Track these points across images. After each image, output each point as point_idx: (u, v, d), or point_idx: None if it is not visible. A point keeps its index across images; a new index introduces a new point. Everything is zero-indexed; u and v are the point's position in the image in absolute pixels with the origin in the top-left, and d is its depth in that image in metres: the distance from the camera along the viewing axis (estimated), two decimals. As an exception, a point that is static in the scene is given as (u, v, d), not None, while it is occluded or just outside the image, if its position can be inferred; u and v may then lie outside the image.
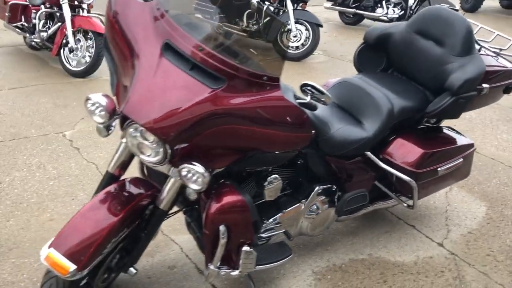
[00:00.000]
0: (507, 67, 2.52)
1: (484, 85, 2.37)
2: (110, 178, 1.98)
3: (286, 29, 5.91)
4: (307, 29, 5.98)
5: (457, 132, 2.63)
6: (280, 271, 2.38)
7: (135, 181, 1.96)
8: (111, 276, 2.07)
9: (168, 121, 1.63)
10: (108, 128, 1.90)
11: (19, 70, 5.22)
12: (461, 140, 2.55)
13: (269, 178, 2.06)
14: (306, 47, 5.99)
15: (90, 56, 5.03)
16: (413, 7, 7.47)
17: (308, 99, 1.82)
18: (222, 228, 1.84)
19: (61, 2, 5.02)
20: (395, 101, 2.33)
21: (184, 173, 1.71)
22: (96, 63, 5.00)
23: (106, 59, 2.00)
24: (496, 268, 2.49)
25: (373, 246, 2.61)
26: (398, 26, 2.62)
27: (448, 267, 2.48)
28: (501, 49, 2.59)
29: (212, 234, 1.85)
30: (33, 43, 5.49)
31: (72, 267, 1.67)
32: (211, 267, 1.92)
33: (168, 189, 1.85)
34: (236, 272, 1.96)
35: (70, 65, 5.11)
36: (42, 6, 5.31)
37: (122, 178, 2.01)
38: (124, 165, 2.00)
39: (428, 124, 2.59)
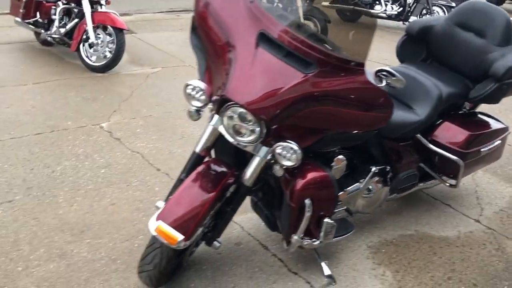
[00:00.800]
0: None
1: (523, 73, 2.59)
2: (197, 159, 2.12)
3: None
4: (315, 25, 6.17)
5: (492, 117, 2.86)
6: (338, 247, 2.57)
7: (217, 162, 2.11)
8: (196, 249, 2.23)
9: (267, 103, 1.80)
10: (198, 112, 2.05)
11: (37, 66, 5.27)
12: (497, 124, 2.78)
13: (335, 158, 2.24)
14: (315, 42, 6.19)
15: (110, 51, 5.13)
16: (411, 4, 7.74)
17: (383, 83, 2.00)
18: (307, 201, 2.02)
19: (81, -2, 5.11)
20: (442, 88, 2.54)
21: (278, 150, 1.88)
22: (116, 58, 5.11)
23: (193, 47, 2.14)
24: (530, 241, 2.73)
25: (417, 224, 2.83)
26: (438, 19, 2.84)
27: (488, 240, 2.71)
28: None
29: (298, 208, 2.03)
30: (49, 38, 5.54)
31: (180, 237, 1.83)
32: (295, 237, 2.09)
33: (254, 168, 2.01)
34: (317, 242, 2.15)
35: (90, 60, 5.20)
36: (60, 3, 5.38)
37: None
38: (209, 148, 2.14)
39: (465, 110, 2.81)
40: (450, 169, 2.64)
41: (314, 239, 2.14)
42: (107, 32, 5.15)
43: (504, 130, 2.79)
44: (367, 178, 2.44)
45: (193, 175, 2.01)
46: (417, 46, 2.89)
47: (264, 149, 1.96)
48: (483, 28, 2.63)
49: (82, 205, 2.80)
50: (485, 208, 3.02)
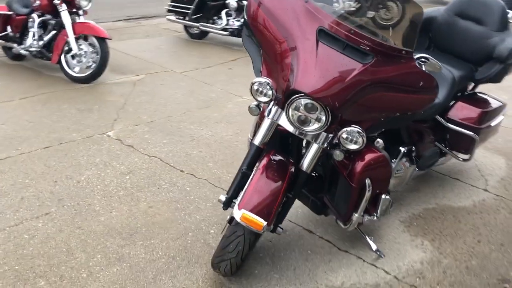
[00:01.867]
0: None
1: (521, 53, 2.92)
2: (256, 152, 2.25)
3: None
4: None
5: (491, 96, 3.17)
6: (375, 224, 2.78)
7: (276, 153, 2.24)
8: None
9: (332, 92, 1.97)
10: (258, 106, 2.19)
11: (17, 81, 5.14)
12: (497, 101, 3.09)
13: (375, 141, 2.44)
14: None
15: (93, 62, 5.09)
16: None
17: (423, 69, 2.22)
18: (367, 181, 2.20)
19: (59, 10, 5.04)
20: (454, 72, 2.81)
21: (344, 135, 2.06)
22: (102, 67, 5.09)
23: (247, 47, 2.27)
24: (534, 203, 3.07)
25: (435, 197, 3.09)
26: (438, 11, 3.12)
27: (500, 205, 3.02)
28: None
29: (358, 188, 2.21)
30: (24, 52, 5.42)
31: (264, 222, 1.96)
32: (356, 215, 2.27)
33: (313, 155, 2.17)
34: (375, 218, 2.33)
35: (73, 71, 5.13)
36: (35, 15, 5.28)
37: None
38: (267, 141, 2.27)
39: (468, 91, 3.12)
40: (464, 144, 2.93)
41: (372, 215, 2.33)
42: (88, 42, 5.11)
43: (504, 106, 3.11)
44: (397, 158, 2.66)
45: (261, 167, 2.13)
46: (421, 36, 3.15)
47: (323, 137, 2.12)
48: (481, 16, 2.93)
49: (121, 211, 2.84)
50: (488, 178, 3.34)
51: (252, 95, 2.12)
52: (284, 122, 2.15)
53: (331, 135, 2.12)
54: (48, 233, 2.62)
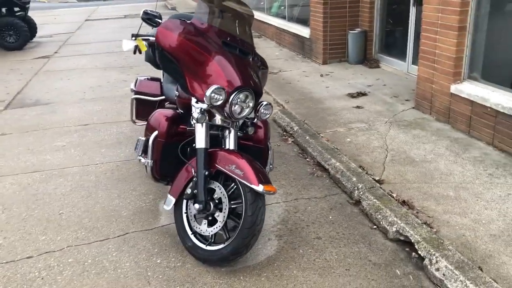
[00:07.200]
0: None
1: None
2: (205, 154, 2.67)
3: None
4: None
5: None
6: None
7: (216, 149, 2.73)
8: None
9: (257, 82, 2.76)
10: (203, 113, 2.66)
11: None
12: None
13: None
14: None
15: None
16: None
17: None
18: (268, 141, 3.05)
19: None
20: None
21: (262, 110, 2.80)
22: None
23: (165, 70, 2.84)
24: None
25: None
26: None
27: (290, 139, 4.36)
28: None
29: (266, 148, 3.03)
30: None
31: (274, 187, 2.57)
32: (267, 167, 3.07)
33: (234, 137, 2.81)
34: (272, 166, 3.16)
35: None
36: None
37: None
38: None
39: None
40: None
41: (270, 164, 3.14)
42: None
43: None
44: None
45: (238, 156, 2.61)
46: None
47: (236, 123, 2.81)
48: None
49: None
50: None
51: (210, 103, 2.56)
52: (218, 119, 2.75)
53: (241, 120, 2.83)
54: None
